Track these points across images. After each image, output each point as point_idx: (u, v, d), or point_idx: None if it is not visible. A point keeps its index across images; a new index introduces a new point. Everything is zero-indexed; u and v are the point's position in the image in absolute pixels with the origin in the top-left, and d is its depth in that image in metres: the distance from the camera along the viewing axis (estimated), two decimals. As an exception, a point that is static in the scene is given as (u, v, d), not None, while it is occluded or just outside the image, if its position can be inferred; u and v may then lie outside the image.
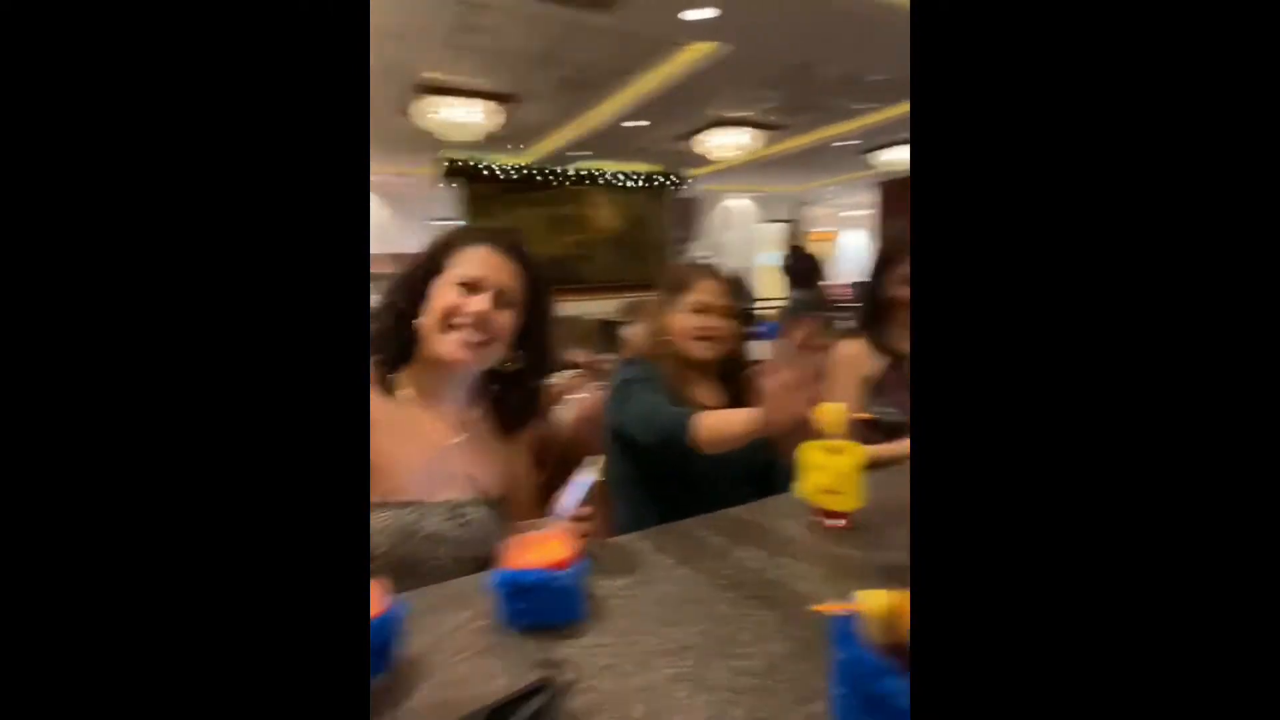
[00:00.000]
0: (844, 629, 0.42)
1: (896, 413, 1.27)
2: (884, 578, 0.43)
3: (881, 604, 0.40)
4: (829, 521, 0.87)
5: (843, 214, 10.09)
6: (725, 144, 5.68)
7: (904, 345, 1.32)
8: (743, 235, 9.45)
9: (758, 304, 7.24)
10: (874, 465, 1.11)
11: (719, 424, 0.92)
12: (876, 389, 1.30)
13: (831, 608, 0.42)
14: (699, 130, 5.56)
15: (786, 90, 4.68)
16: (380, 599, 0.55)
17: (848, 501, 0.86)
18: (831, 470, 0.86)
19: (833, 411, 0.90)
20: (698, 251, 8.33)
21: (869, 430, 1.25)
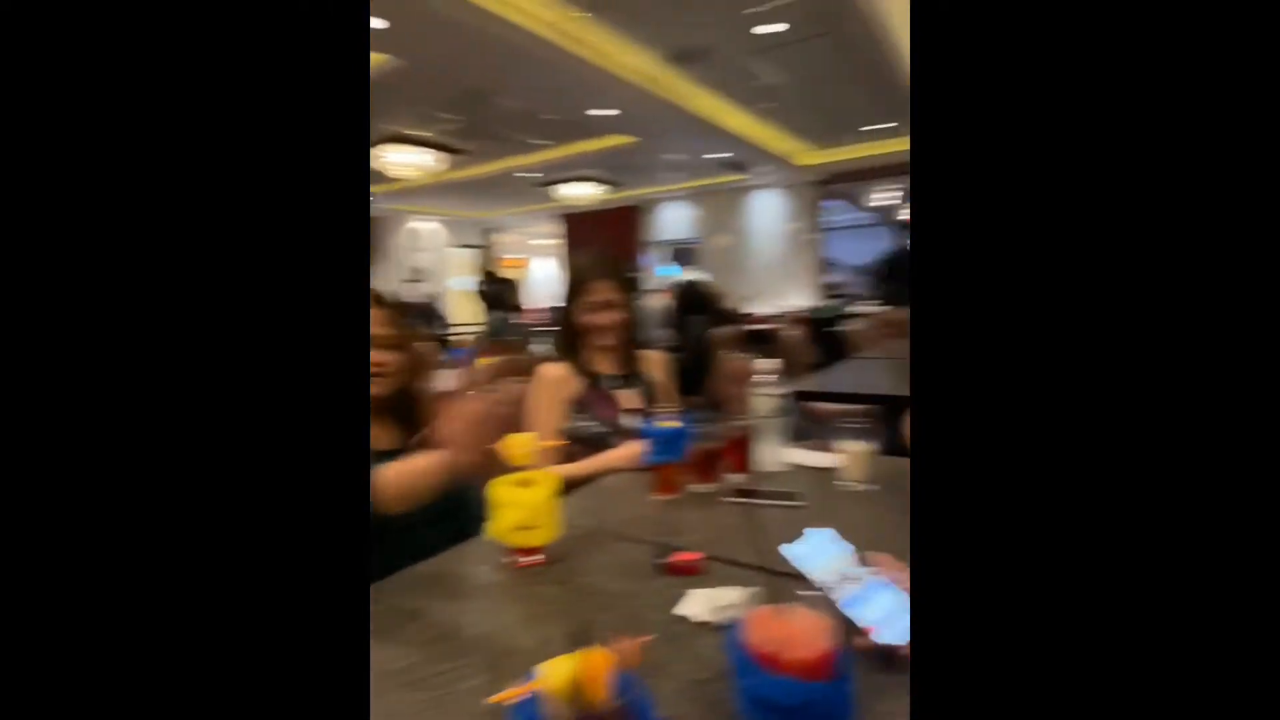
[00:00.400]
0: (526, 715, 0.35)
1: (598, 424, 1.30)
2: (571, 639, 0.38)
3: (564, 675, 0.35)
4: (524, 560, 0.81)
5: (531, 242, 10.48)
6: (405, 162, 5.45)
7: (599, 366, 1.36)
8: (435, 258, 9.07)
9: (451, 329, 6.99)
10: (572, 486, 1.11)
11: (400, 477, 0.82)
12: (579, 406, 1.32)
13: (509, 695, 0.36)
14: (374, 144, 5.18)
15: (466, 116, 4.66)
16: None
17: (542, 535, 0.82)
18: (524, 505, 0.81)
19: (521, 442, 0.86)
20: (388, 275, 7.69)
21: (573, 445, 1.26)
